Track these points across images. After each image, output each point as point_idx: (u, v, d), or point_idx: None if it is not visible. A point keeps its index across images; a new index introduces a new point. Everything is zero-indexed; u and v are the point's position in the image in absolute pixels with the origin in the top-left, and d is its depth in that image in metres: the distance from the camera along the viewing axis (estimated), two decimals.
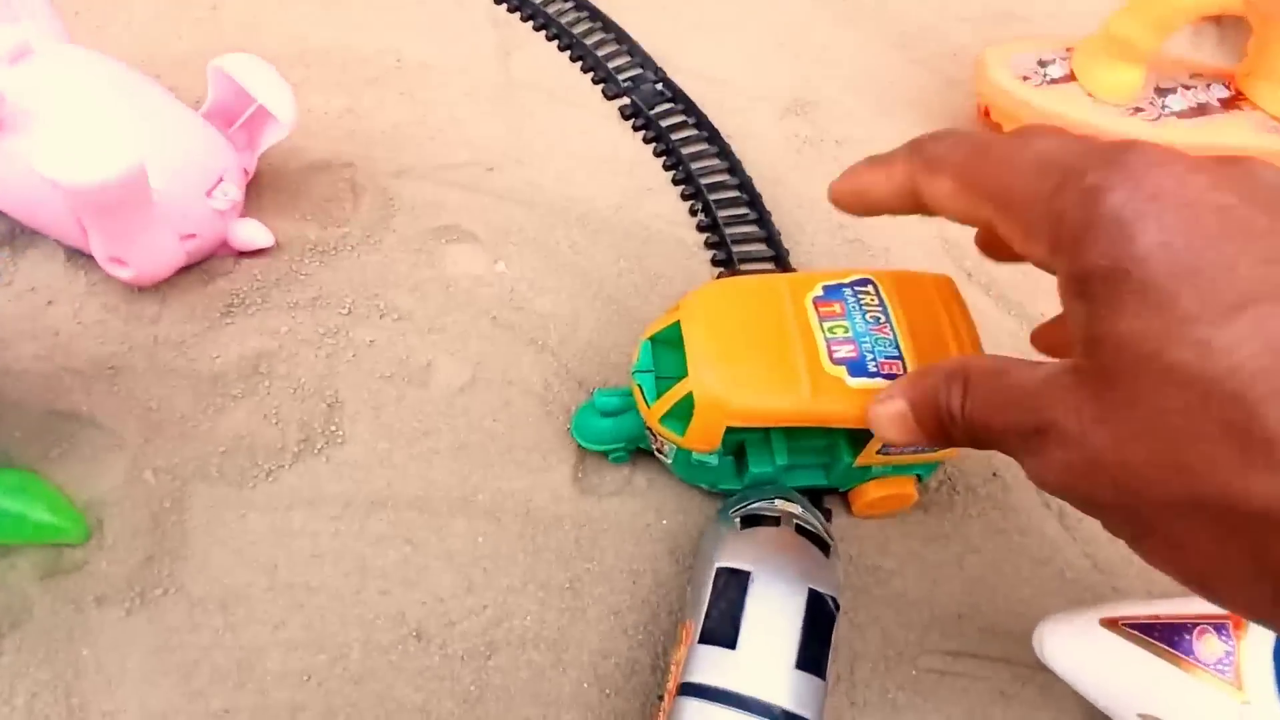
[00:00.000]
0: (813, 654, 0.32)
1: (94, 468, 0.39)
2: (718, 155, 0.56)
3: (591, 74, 0.60)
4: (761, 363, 0.33)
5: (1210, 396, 0.19)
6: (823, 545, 0.36)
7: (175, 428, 0.41)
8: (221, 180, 0.43)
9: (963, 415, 0.25)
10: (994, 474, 0.44)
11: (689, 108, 0.58)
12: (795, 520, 0.36)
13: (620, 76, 0.59)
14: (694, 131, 0.57)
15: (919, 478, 0.40)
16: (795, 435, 0.39)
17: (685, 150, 0.55)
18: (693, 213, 0.53)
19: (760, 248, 0.52)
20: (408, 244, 0.49)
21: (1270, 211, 0.21)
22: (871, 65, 0.65)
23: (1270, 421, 0.18)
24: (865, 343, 0.33)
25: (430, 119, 0.55)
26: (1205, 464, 0.20)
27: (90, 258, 0.45)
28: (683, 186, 0.54)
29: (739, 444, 0.39)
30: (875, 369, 0.32)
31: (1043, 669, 0.35)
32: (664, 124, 0.57)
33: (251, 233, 0.45)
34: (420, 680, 0.36)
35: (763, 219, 0.53)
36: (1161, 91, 0.53)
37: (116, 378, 0.42)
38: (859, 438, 0.36)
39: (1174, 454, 0.20)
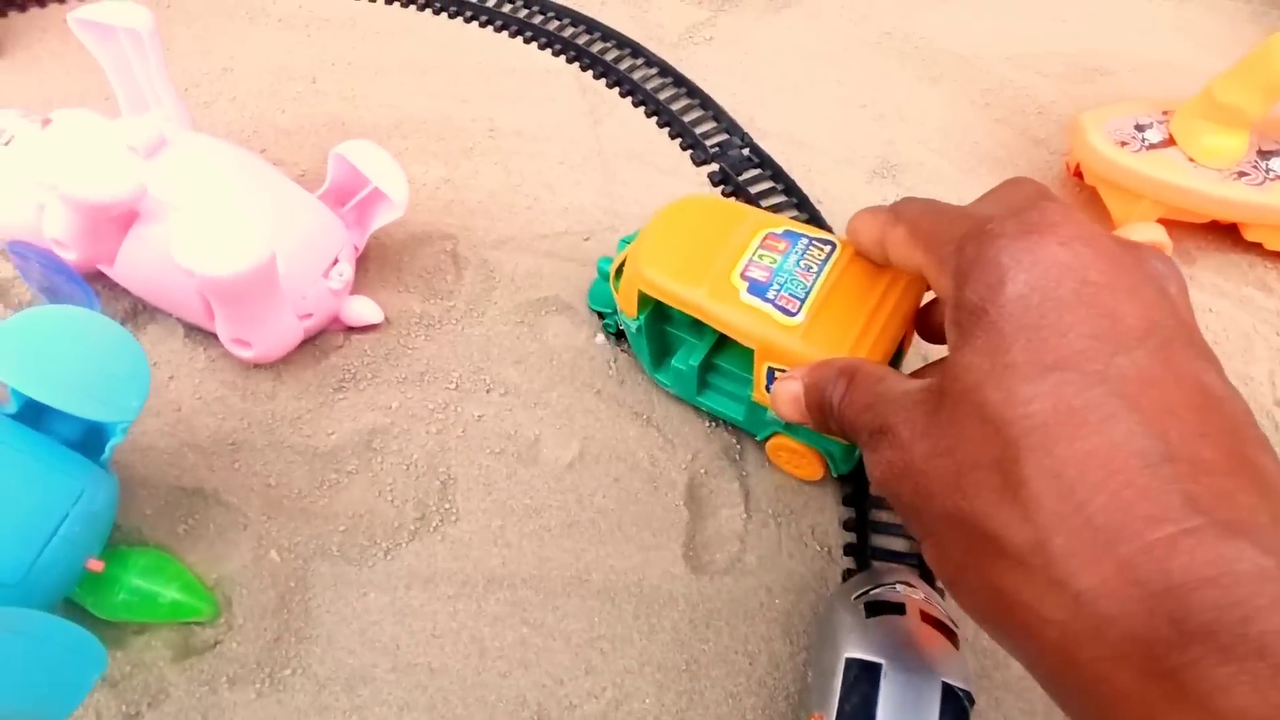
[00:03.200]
0: None
1: (221, 546, 0.40)
2: (809, 221, 0.56)
3: (679, 140, 0.60)
4: (685, 256, 0.38)
5: (998, 436, 0.23)
6: (950, 634, 0.35)
7: (295, 504, 0.42)
8: (337, 261, 0.45)
9: (838, 409, 0.30)
10: None
11: (777, 173, 0.58)
12: (920, 608, 0.36)
13: (708, 142, 0.60)
14: (783, 198, 0.57)
15: (828, 464, 0.42)
16: (726, 361, 0.43)
17: None
18: None
19: None
20: (509, 316, 0.50)
21: (1126, 297, 0.23)
22: (955, 124, 0.65)
23: (1028, 467, 0.22)
24: (781, 277, 0.37)
25: (525, 188, 0.56)
26: (974, 488, 0.23)
27: (208, 333, 0.46)
28: None
29: (671, 343, 0.44)
30: (772, 297, 0.36)
31: None
32: (753, 190, 0.57)
33: (363, 310, 0.46)
34: None
35: None
36: (1265, 154, 0.52)
37: (237, 453, 0.43)
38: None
39: (958, 474, 0.24)
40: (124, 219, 0.40)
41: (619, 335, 0.48)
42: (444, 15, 0.67)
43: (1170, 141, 0.53)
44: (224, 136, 0.53)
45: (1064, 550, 0.21)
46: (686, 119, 0.61)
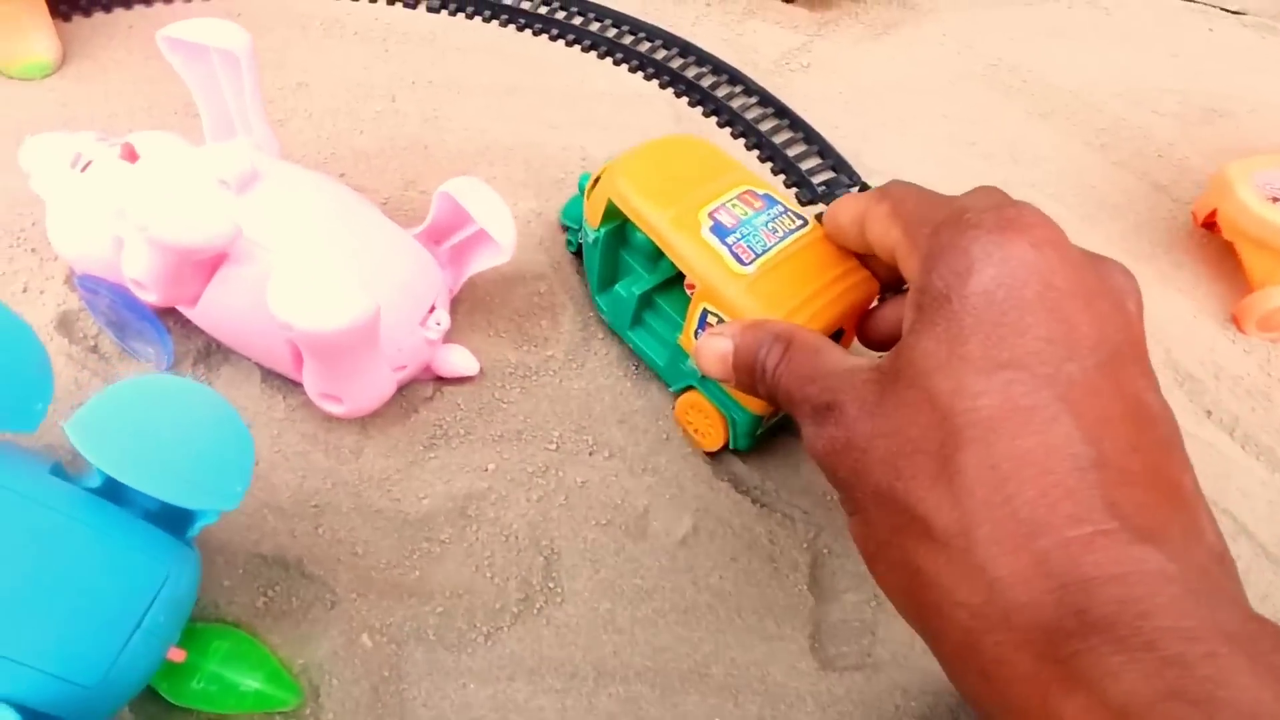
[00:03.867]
0: None
1: (307, 626, 0.36)
2: None
3: (783, 176, 0.56)
4: (662, 182, 0.39)
5: (943, 424, 0.24)
6: None
7: (385, 577, 0.38)
8: (434, 308, 0.41)
9: (773, 375, 0.30)
10: None
11: None
12: None
13: (814, 180, 0.56)
14: None
15: (727, 432, 0.41)
16: (666, 301, 0.43)
17: None
18: None
19: None
20: (611, 368, 0.46)
21: (1085, 307, 0.24)
22: (1071, 167, 0.61)
23: (967, 457, 0.23)
24: (745, 229, 0.37)
25: None
26: (911, 471, 0.24)
27: (287, 380, 0.43)
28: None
29: (621, 268, 0.45)
30: (731, 243, 0.37)
31: None
32: None
33: (459, 360, 0.42)
34: None
35: None
36: None
37: (321, 517, 0.39)
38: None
39: (897, 455, 0.25)
40: (211, 261, 0.37)
41: (578, 254, 0.48)
42: (528, 33, 0.63)
43: None
44: (300, 158, 0.50)
45: (987, 538, 0.22)
46: (790, 153, 0.57)
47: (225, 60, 0.39)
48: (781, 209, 0.39)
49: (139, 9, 0.61)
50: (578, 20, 0.64)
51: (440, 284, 0.41)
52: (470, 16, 0.64)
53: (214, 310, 0.39)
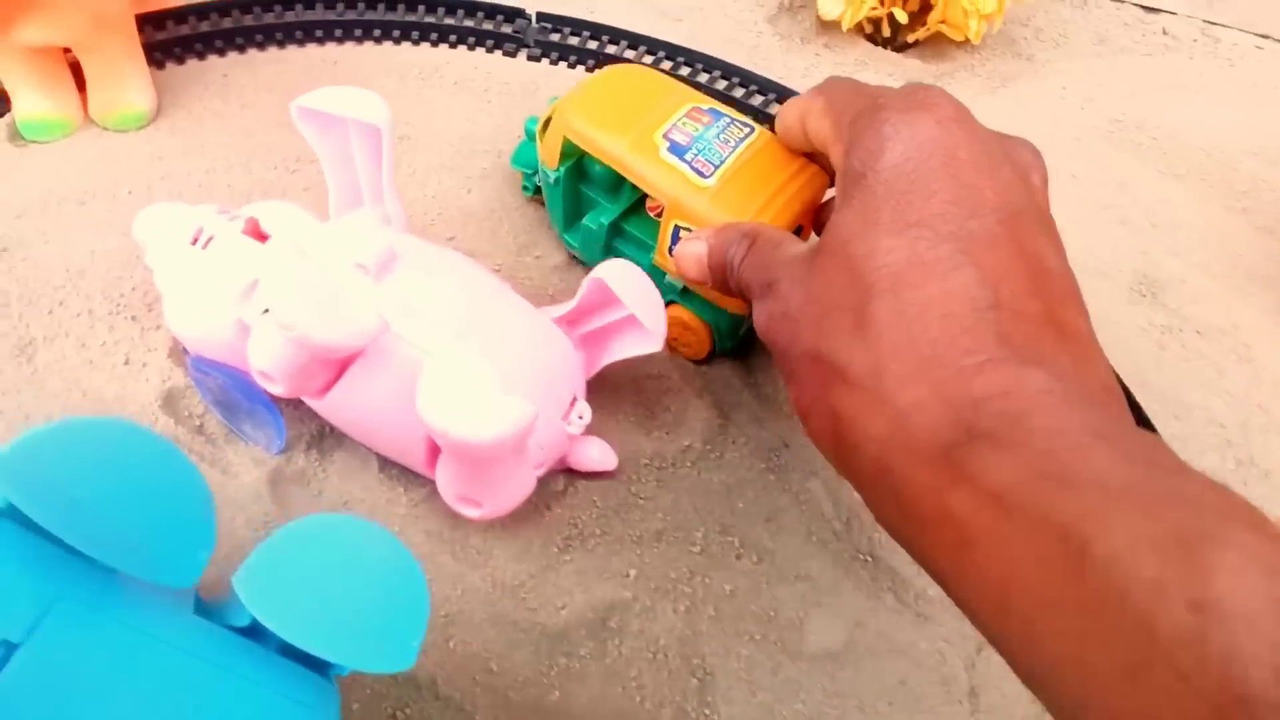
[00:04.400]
0: None
1: None
2: None
3: None
4: (612, 112, 0.41)
5: (859, 283, 0.26)
6: None
7: (523, 697, 0.34)
8: (575, 400, 0.37)
9: (738, 269, 0.33)
10: None
11: None
12: None
13: None
14: None
15: (711, 336, 0.43)
16: (633, 227, 0.44)
17: None
18: None
19: None
20: (752, 460, 0.42)
21: (988, 174, 0.27)
22: (1214, 232, 0.57)
23: (878, 307, 0.26)
24: (700, 144, 0.40)
25: None
26: (832, 328, 0.27)
27: (406, 470, 0.40)
28: None
29: (586, 203, 0.46)
30: (689, 159, 0.39)
31: None
32: None
33: (597, 455, 0.39)
34: None
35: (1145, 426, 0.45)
36: None
37: (450, 628, 0.36)
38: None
39: (821, 317, 0.27)
40: (347, 356, 0.34)
41: (535, 197, 0.50)
42: None
43: None
44: (409, 219, 0.46)
45: (893, 375, 0.25)
46: None
47: (363, 132, 0.36)
48: (728, 120, 0.41)
49: (232, 56, 0.59)
50: (685, 70, 0.61)
51: (581, 375, 0.38)
52: (573, 66, 0.61)
53: (342, 402, 0.35)
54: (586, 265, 0.46)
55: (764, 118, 0.58)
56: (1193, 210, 0.58)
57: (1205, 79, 0.69)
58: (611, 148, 0.40)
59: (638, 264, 0.40)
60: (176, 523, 0.23)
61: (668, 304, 0.41)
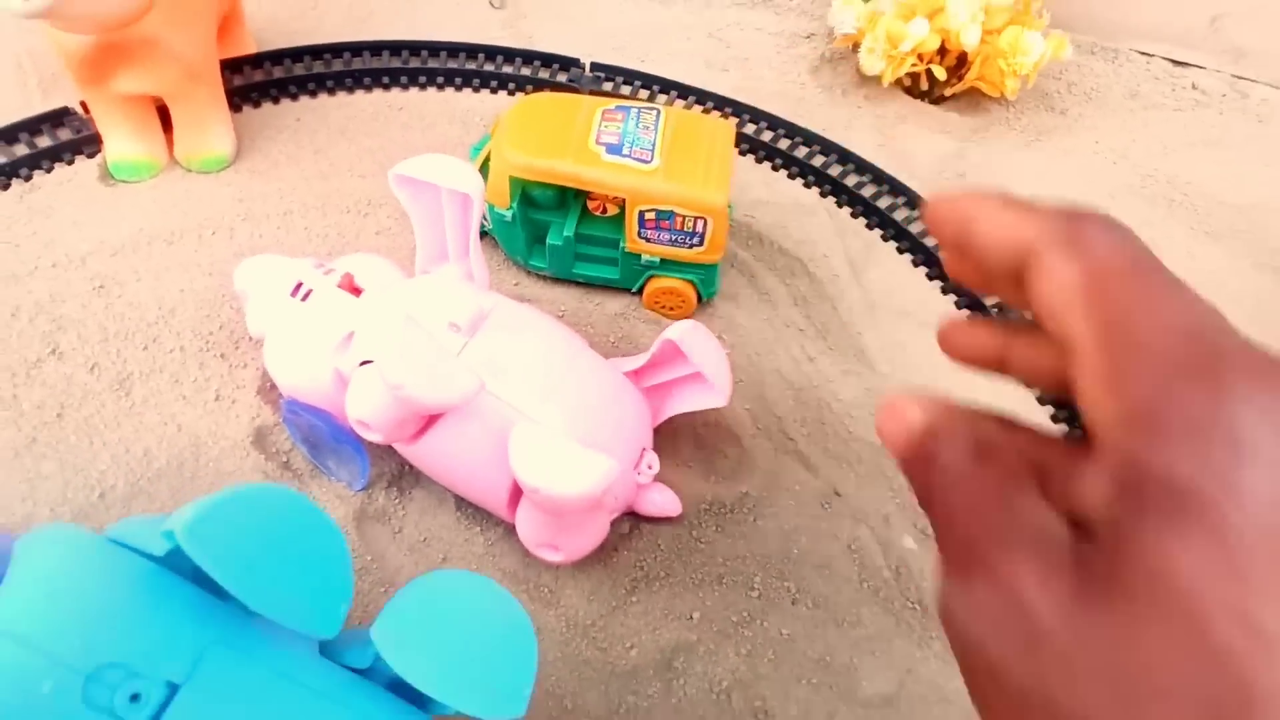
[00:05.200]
0: None
1: None
2: None
3: (953, 296, 0.55)
4: (542, 140, 0.46)
5: (1221, 670, 0.17)
6: None
7: None
8: (644, 450, 0.40)
9: (945, 481, 0.20)
10: None
11: None
12: None
13: (987, 301, 0.54)
14: None
15: (697, 290, 0.49)
16: (590, 230, 0.49)
17: None
18: None
19: None
20: (805, 507, 0.44)
21: None
22: (1246, 293, 0.59)
23: None
24: (628, 138, 0.45)
25: (796, 349, 0.51)
26: None
27: (479, 510, 0.42)
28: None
29: (542, 227, 0.50)
30: (628, 153, 0.45)
31: None
32: None
33: (663, 501, 0.41)
34: None
35: None
36: None
37: None
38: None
39: (1130, 693, 0.17)
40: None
41: (483, 235, 0.52)
42: None
43: None
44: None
45: None
46: None
47: (454, 197, 0.39)
48: (637, 110, 0.47)
49: (304, 100, 0.62)
50: (732, 120, 0.63)
51: (649, 427, 0.41)
52: None
53: (432, 449, 0.38)
54: (642, 302, 0.52)
55: (810, 170, 0.61)
56: (1226, 270, 0.60)
57: (1235, 135, 0.71)
58: (560, 169, 0.45)
59: (609, 262, 0.50)
60: (322, 579, 0.25)
61: (649, 278, 0.49)
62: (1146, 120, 0.71)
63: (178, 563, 0.26)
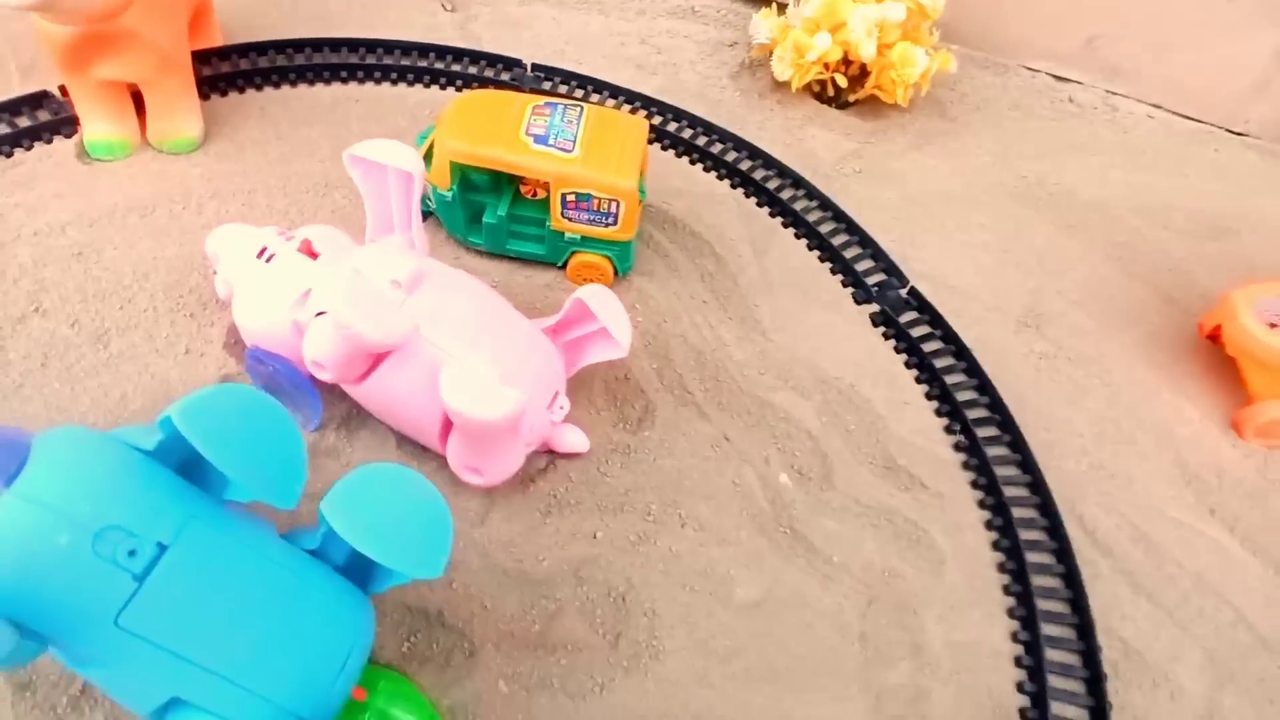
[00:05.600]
0: None
1: (450, 671, 0.42)
2: (966, 371, 0.59)
3: (840, 276, 0.63)
4: (479, 130, 0.54)
5: None
6: None
7: (512, 629, 0.44)
8: (557, 394, 0.47)
9: None
10: None
11: (935, 319, 0.61)
12: None
13: (869, 281, 0.63)
14: (940, 344, 0.60)
15: (614, 265, 0.58)
16: (519, 212, 0.57)
17: (937, 364, 0.59)
18: (949, 430, 0.56)
19: (1015, 471, 0.54)
20: (698, 450, 0.52)
21: None
22: (1092, 277, 0.68)
23: None
24: (553, 130, 0.54)
25: (699, 318, 0.59)
26: None
27: (419, 446, 0.49)
28: (936, 402, 0.57)
29: (479, 207, 0.57)
30: (553, 143, 0.53)
31: None
32: (914, 334, 0.60)
33: (573, 439, 0.49)
34: None
35: (1016, 441, 0.55)
36: None
37: (454, 573, 0.45)
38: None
39: None
40: (383, 352, 0.43)
41: (428, 215, 0.59)
42: None
43: None
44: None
45: None
46: (846, 255, 0.64)
47: (399, 176, 0.46)
48: (563, 107, 0.55)
49: (269, 91, 0.68)
50: (658, 119, 0.71)
51: (562, 374, 0.48)
52: None
53: (375, 389, 0.45)
54: (566, 275, 0.60)
55: (722, 164, 0.69)
56: (1078, 257, 0.70)
57: (1101, 143, 0.81)
58: (494, 155, 0.53)
59: (537, 240, 0.57)
60: (283, 461, 0.32)
61: (572, 253, 0.57)
62: (1025, 129, 0.80)
63: (165, 456, 0.33)
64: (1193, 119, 0.86)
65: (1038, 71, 0.87)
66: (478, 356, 0.43)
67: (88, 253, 0.55)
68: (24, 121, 0.62)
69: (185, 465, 0.33)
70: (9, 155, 0.60)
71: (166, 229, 0.57)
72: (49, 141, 0.61)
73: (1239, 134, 0.85)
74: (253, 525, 0.34)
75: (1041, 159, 0.78)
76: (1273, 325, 0.57)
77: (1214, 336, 0.62)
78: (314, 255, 0.46)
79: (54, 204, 0.57)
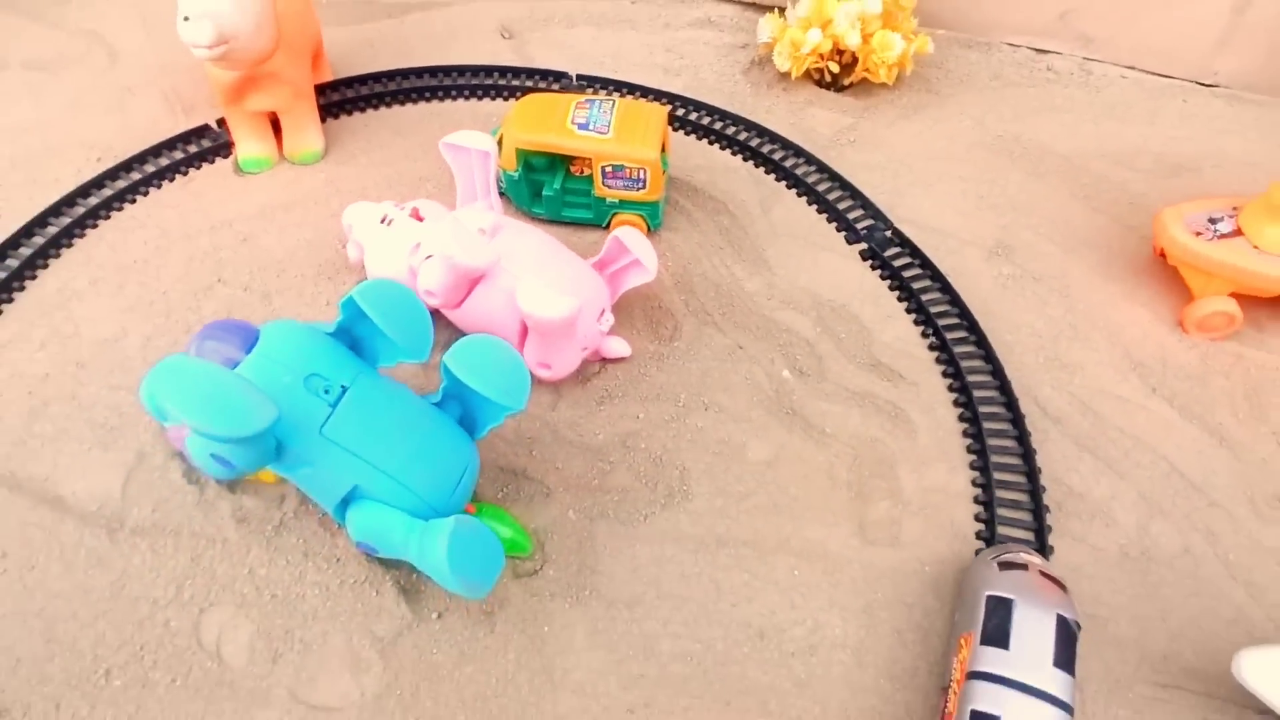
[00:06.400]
0: (1065, 657, 0.46)
1: (531, 507, 0.58)
2: (940, 290, 0.72)
3: (835, 224, 0.77)
4: (536, 122, 0.71)
5: None
6: (1061, 586, 0.50)
7: (579, 481, 0.59)
8: (604, 311, 0.62)
9: None
10: (1185, 550, 0.57)
11: (914, 251, 0.74)
12: (1039, 568, 0.51)
13: (858, 226, 0.76)
14: (919, 270, 0.73)
15: (647, 223, 0.73)
16: (570, 185, 0.73)
17: (915, 286, 0.72)
18: (924, 335, 0.69)
19: (980, 364, 0.67)
20: (719, 355, 0.67)
21: None
22: (1059, 214, 0.80)
23: None
24: (592, 119, 0.70)
25: (717, 261, 0.74)
26: None
27: None
28: (914, 315, 0.71)
29: (539, 184, 0.74)
30: (593, 129, 0.69)
31: (1239, 702, 0.47)
32: (896, 264, 0.73)
33: (617, 346, 0.64)
34: (765, 666, 0.52)
35: (981, 341, 0.68)
36: None
37: (534, 446, 0.61)
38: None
39: None
40: (475, 279, 0.59)
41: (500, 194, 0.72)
42: None
43: (1238, 232, 0.67)
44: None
45: None
46: (840, 207, 0.78)
47: (480, 156, 0.62)
48: (598, 102, 0.72)
49: (369, 112, 0.86)
50: (682, 111, 0.86)
51: (606, 296, 0.63)
52: None
53: (470, 309, 0.61)
54: (599, 227, 0.75)
55: (735, 142, 0.84)
56: (1046, 199, 0.82)
57: (1075, 103, 0.92)
58: (550, 140, 0.70)
59: (586, 206, 0.73)
60: (419, 327, 0.48)
61: (613, 215, 0.72)
62: (1004, 95, 0.93)
63: (340, 336, 0.49)
64: (1164, 75, 0.96)
65: (1019, 46, 0.99)
66: (543, 278, 0.59)
67: (250, 239, 0.73)
68: (192, 148, 0.81)
69: (354, 342, 0.50)
70: (185, 174, 0.79)
71: (304, 220, 0.75)
72: (212, 162, 0.80)
73: (1208, 85, 0.95)
74: (396, 383, 0.51)
75: (1019, 120, 0.90)
76: (1198, 234, 0.69)
77: (1165, 254, 0.73)
78: (420, 219, 0.63)
79: (221, 206, 0.76)
